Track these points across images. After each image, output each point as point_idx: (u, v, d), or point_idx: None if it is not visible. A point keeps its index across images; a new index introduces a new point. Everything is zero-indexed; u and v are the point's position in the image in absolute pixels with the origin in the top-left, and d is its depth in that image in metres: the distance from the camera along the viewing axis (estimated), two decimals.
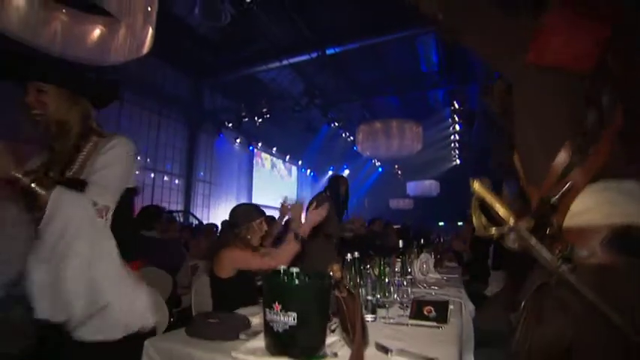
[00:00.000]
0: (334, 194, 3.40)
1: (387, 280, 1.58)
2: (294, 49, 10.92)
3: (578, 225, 0.77)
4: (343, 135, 15.56)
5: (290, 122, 14.91)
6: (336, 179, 3.53)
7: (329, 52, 11.08)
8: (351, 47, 10.86)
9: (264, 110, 12.76)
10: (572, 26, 0.82)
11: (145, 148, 12.11)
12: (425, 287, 2.18)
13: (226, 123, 13.87)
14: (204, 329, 1.19)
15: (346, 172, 22.98)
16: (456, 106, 11.34)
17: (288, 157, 19.58)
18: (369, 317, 1.42)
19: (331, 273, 1.12)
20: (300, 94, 13.43)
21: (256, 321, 1.28)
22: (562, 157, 0.78)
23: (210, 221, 14.01)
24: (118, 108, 10.84)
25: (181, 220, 11.35)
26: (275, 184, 19.62)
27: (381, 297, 1.52)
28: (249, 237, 2.05)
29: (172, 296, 2.61)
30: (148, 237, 2.56)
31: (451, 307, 1.44)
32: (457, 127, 13.01)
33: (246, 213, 2.14)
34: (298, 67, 12.40)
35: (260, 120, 13.08)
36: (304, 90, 13.21)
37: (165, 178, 12.88)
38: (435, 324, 1.35)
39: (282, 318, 0.95)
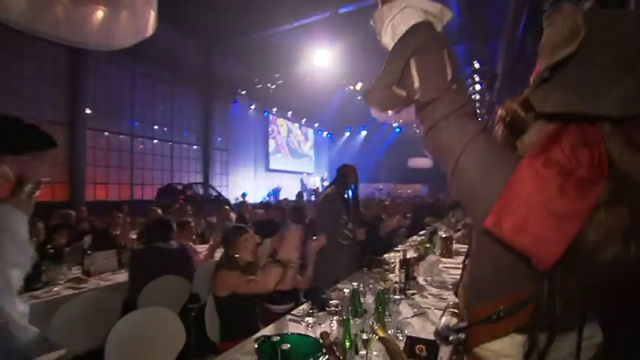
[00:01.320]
0: (342, 187, 3.41)
1: (387, 313, 1.63)
2: (305, 10, 10.45)
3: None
4: (359, 97, 15.17)
5: (304, 86, 14.60)
6: (342, 171, 3.50)
7: (341, 10, 10.56)
8: (365, 4, 10.28)
9: (277, 75, 12.49)
10: (540, 194, 0.58)
11: (160, 120, 12.23)
12: (428, 297, 2.23)
13: (240, 90, 13.71)
14: None
15: (363, 133, 22.71)
16: (477, 65, 10.76)
17: (304, 120, 19.38)
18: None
19: (321, 341, 1.17)
20: (313, 56, 13.01)
21: None
22: None
23: (230, 189, 14.37)
24: (130, 82, 10.85)
25: (201, 192, 11.62)
26: (292, 148, 19.64)
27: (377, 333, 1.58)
28: (237, 256, 2.12)
29: (190, 300, 2.77)
30: (163, 248, 2.66)
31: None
32: (477, 87, 12.42)
33: (231, 233, 2.22)
34: (310, 29, 11.91)
35: (274, 86, 12.85)
36: (317, 52, 12.78)
37: (183, 147, 13.06)
38: None
39: None
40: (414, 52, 0.70)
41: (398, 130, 21.27)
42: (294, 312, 2.04)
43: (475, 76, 11.62)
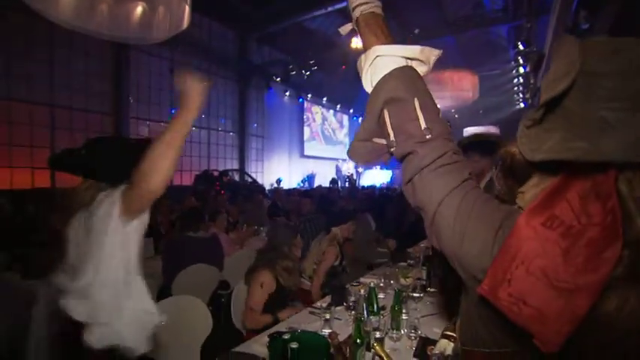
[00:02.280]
0: None
1: (402, 317, 1.67)
2: None
3: None
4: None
5: (339, 71, 14.45)
6: None
7: None
8: None
9: (312, 62, 12.45)
10: (541, 260, 0.48)
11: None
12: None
13: (274, 77, 13.82)
14: None
15: None
16: (521, 47, 10.16)
17: (338, 106, 19.25)
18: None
19: (330, 340, 1.23)
20: (349, 41, 12.81)
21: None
22: None
23: (265, 175, 14.69)
24: (169, 72, 11.24)
25: (237, 178, 11.97)
26: (326, 136, 19.64)
27: (391, 331, 1.62)
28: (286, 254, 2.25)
29: (220, 287, 2.95)
30: (194, 237, 2.83)
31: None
32: (521, 70, 11.75)
33: (282, 233, 2.32)
34: (345, 13, 11.69)
35: (308, 72, 12.84)
36: (352, 36, 12.56)
37: (219, 134, 13.45)
38: None
39: None
40: (385, 103, 0.66)
41: None
42: (314, 305, 2.12)
43: (519, 58, 11.00)
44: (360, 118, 20.06)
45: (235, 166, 13.49)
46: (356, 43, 11.78)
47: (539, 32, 10.67)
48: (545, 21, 10.45)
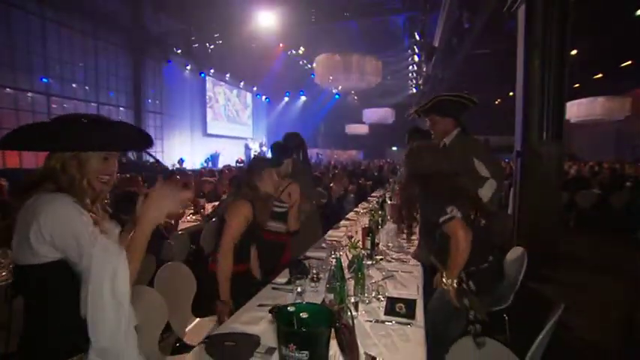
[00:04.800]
0: (305, 159, 3.33)
1: (365, 282, 1.82)
2: None
3: None
4: (301, 62, 14.96)
5: (244, 47, 13.94)
6: (299, 141, 3.23)
7: None
8: None
9: (217, 35, 11.78)
10: None
11: (82, 77, 11.01)
12: (392, 261, 2.48)
13: (174, 48, 12.72)
14: (223, 352, 1.37)
15: (303, 99, 22.57)
16: (417, 37, 11.15)
17: (242, 83, 18.65)
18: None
19: (333, 310, 1.31)
20: (254, 16, 12.40)
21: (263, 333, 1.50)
22: None
23: (165, 154, 13.63)
24: (40, 31, 9.50)
25: (134, 158, 10.86)
26: (230, 117, 18.95)
27: (361, 295, 1.78)
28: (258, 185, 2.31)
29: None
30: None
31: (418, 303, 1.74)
32: (416, 58, 12.94)
33: (256, 163, 2.48)
34: None
35: (212, 46, 12.12)
36: (260, 12, 12.19)
37: (111, 109, 11.97)
38: (405, 320, 1.63)
39: (296, 355, 1.15)
40: None
41: (337, 96, 21.48)
42: (274, 281, 2.16)
43: (414, 47, 12.07)
44: (264, 97, 19.75)
45: None
46: (261, 21, 11.49)
47: (432, 25, 11.83)
48: (435, 18, 11.63)
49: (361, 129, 22.52)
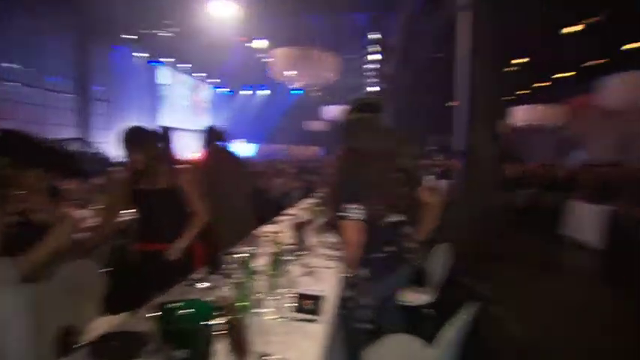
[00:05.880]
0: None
1: (279, 278, 1.79)
2: None
3: None
4: (262, 56, 14.69)
5: (203, 37, 13.46)
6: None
7: None
8: None
9: (169, 22, 11.29)
10: None
11: (16, 57, 10.13)
12: (318, 257, 2.47)
13: (125, 34, 12.07)
14: (108, 352, 1.28)
15: (264, 93, 22.28)
16: (376, 36, 11.30)
17: (201, 74, 18.09)
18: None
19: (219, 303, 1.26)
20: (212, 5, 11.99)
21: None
22: None
23: (114, 145, 12.92)
24: None
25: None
26: (187, 106, 18.32)
27: (273, 292, 1.74)
28: None
29: None
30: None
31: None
32: (377, 57, 13.12)
33: None
34: None
35: (166, 33, 11.62)
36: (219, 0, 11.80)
37: (52, 96, 11.17)
38: (310, 316, 1.61)
39: (176, 353, 1.10)
40: None
41: (298, 92, 21.36)
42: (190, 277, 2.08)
43: (375, 46, 12.23)
44: (225, 89, 19.29)
45: (76, 134, 11.48)
46: (221, 9, 11.12)
47: (393, 26, 12.04)
48: (395, 18, 11.86)
49: (322, 125, 22.50)
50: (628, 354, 2.98)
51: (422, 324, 2.40)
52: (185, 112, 18.09)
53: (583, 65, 11.81)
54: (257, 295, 1.69)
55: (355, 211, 1.79)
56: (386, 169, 1.96)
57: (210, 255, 2.32)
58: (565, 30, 9.67)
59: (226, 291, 1.58)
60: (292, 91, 20.92)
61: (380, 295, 2.01)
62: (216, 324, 1.21)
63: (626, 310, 3.89)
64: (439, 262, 2.69)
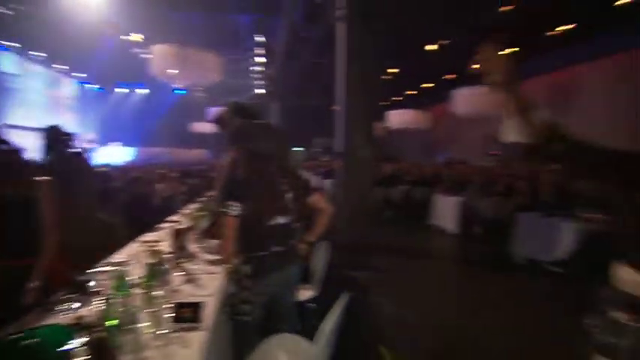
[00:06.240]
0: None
1: (156, 291, 1.68)
2: None
3: None
4: (138, 51, 13.43)
5: (61, 20, 11.59)
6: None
7: None
8: None
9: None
10: None
11: None
12: (200, 264, 2.39)
13: None
14: None
15: (142, 92, 20.41)
16: (260, 39, 11.34)
17: (64, 67, 15.65)
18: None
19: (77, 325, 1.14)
20: None
21: None
22: None
23: None
24: None
25: None
26: (43, 102, 15.69)
27: (149, 305, 1.63)
28: None
29: None
30: None
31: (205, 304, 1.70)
32: (259, 60, 13.15)
33: None
34: None
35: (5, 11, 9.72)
36: None
37: None
38: (190, 325, 1.56)
39: None
40: None
41: (182, 92, 20.11)
42: (49, 300, 1.82)
43: (260, 48, 12.25)
44: (95, 85, 17.05)
45: None
46: None
47: (276, 29, 12.20)
48: (278, 21, 12.06)
49: (207, 127, 21.42)
50: (477, 314, 3.61)
51: (307, 319, 2.51)
52: (42, 109, 15.44)
53: (442, 78, 13.79)
54: (131, 310, 1.57)
55: (234, 208, 1.88)
56: (271, 172, 2.06)
57: (72, 272, 2.06)
58: (427, 47, 11.16)
59: (91, 310, 1.43)
60: (176, 91, 19.61)
61: (266, 293, 2.06)
62: (75, 348, 1.10)
63: (477, 283, 4.72)
64: (320, 258, 2.85)
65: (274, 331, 2.01)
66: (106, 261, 2.35)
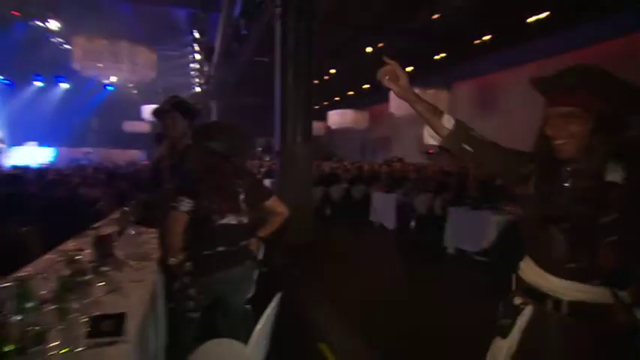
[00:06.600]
0: None
1: (73, 298, 1.53)
2: None
3: None
4: (55, 41, 12.22)
5: None
6: None
7: None
8: None
9: None
10: None
11: None
12: (125, 271, 2.23)
13: None
14: None
15: (63, 87, 18.58)
16: (197, 35, 10.91)
17: None
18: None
19: None
20: None
21: None
22: None
23: None
24: None
25: None
26: None
27: (62, 321, 1.48)
28: None
29: None
30: None
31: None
32: (197, 56, 12.64)
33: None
34: None
35: None
36: None
37: None
38: (110, 339, 1.45)
39: None
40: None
41: (111, 88, 18.69)
42: None
43: (195, 45, 11.76)
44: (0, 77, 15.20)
45: None
46: None
47: (214, 25, 11.81)
48: (216, 18, 11.68)
49: (142, 127, 20.15)
50: (403, 296, 3.81)
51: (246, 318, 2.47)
52: None
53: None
54: (37, 329, 1.41)
55: (183, 204, 1.90)
56: (226, 170, 2.03)
57: None
58: (367, 49, 11.53)
59: None
60: (108, 87, 18.09)
61: (210, 292, 2.03)
62: None
63: (409, 273, 4.96)
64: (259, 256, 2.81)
65: (220, 333, 2.00)
66: (9, 276, 2.10)
